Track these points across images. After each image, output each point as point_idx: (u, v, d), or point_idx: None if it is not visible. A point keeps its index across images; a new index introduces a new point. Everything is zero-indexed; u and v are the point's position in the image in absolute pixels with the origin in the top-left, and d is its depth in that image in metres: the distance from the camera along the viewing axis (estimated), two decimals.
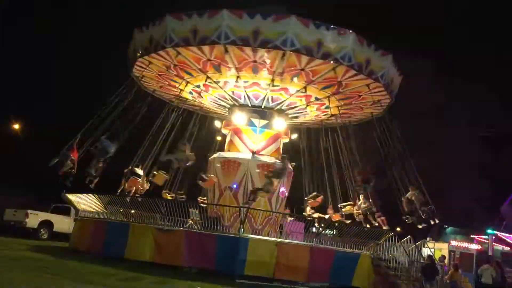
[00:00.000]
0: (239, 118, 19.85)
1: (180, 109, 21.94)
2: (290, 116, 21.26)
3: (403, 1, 38.90)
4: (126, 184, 19.05)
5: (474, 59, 38.47)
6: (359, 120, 22.64)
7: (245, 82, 18.70)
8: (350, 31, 16.77)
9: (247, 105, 20.09)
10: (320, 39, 16.38)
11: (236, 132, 20.30)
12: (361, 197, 19.52)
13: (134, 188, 19.11)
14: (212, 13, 16.20)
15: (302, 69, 17.42)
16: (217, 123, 21.72)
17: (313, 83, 18.38)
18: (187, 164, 18.57)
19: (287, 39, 15.97)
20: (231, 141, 20.46)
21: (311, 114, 21.58)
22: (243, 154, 19.57)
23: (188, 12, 16.51)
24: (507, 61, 37.67)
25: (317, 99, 19.79)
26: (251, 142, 20.00)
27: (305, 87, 18.70)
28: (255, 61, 17.16)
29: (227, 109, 21.32)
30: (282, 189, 19.66)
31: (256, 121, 20.14)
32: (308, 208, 20.51)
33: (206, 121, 23.76)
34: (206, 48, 16.74)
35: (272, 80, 18.24)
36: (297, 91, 19.04)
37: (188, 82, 19.61)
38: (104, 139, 18.51)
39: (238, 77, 18.28)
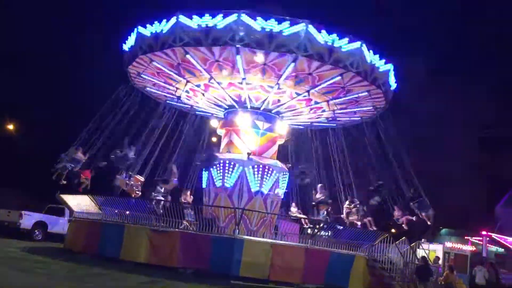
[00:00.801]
0: (242, 119, 19.79)
1: (175, 109, 21.97)
2: (286, 118, 21.30)
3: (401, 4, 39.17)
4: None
5: (471, 60, 38.63)
6: (351, 122, 22.80)
7: (248, 84, 18.69)
8: (360, 39, 17.02)
9: (246, 107, 20.06)
10: (332, 45, 16.53)
11: (237, 133, 20.26)
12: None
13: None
14: (226, 14, 16.09)
15: (310, 74, 17.56)
16: (214, 123, 21.62)
17: (317, 88, 18.55)
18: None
19: (300, 43, 16.05)
20: (230, 142, 20.40)
21: (305, 117, 21.68)
22: (239, 155, 19.56)
23: (200, 11, 16.37)
24: (504, 62, 37.92)
25: (316, 103, 19.89)
26: (253, 144, 19.99)
27: (308, 91, 18.81)
28: (265, 64, 17.17)
29: (223, 110, 21.24)
30: (277, 190, 19.68)
31: (259, 123, 20.13)
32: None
33: (193, 120, 23.68)
34: (216, 49, 16.64)
35: (278, 84, 18.27)
36: (300, 95, 19.14)
37: (188, 81, 19.45)
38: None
39: (243, 79, 18.24)
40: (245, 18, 15.94)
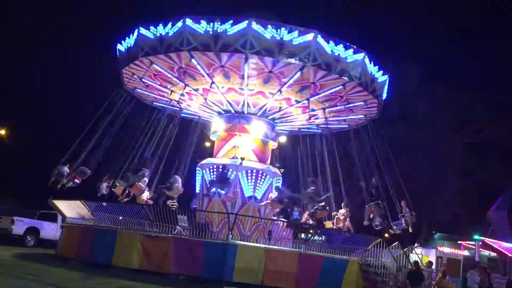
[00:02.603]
0: (236, 124, 19.79)
1: (162, 111, 21.96)
2: (279, 124, 21.38)
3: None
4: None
5: (463, 67, 38.98)
6: (338, 129, 23.02)
7: (250, 90, 18.71)
8: (363, 51, 17.36)
9: (243, 112, 20.06)
10: (338, 56, 16.76)
11: (230, 138, 20.22)
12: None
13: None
14: (237, 20, 16.10)
15: (313, 83, 17.74)
16: (208, 128, 21.60)
17: (318, 96, 18.76)
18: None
19: (310, 53, 16.21)
20: (223, 147, 20.33)
21: (297, 123, 21.79)
22: (232, 160, 19.54)
23: (209, 17, 16.36)
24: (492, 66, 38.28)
25: (313, 110, 20.04)
26: (247, 149, 19.97)
27: (308, 99, 18.95)
28: (270, 72, 17.22)
29: (217, 114, 21.14)
30: (271, 195, 19.66)
31: (254, 128, 20.14)
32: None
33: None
34: (224, 55, 16.62)
35: (280, 91, 18.33)
36: (300, 102, 19.30)
37: (187, 85, 19.36)
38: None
39: (246, 85, 18.24)
40: (255, 26, 16.00)
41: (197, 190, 20.39)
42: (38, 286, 11.72)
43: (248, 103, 19.60)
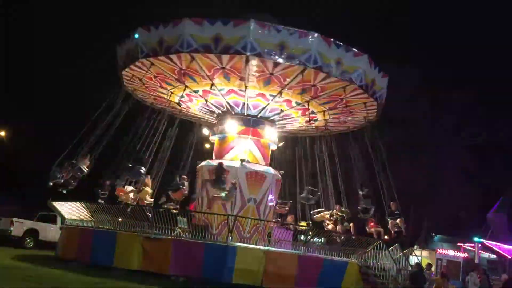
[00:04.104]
0: (236, 126, 19.74)
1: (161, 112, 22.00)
2: (279, 125, 21.38)
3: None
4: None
5: (462, 67, 38.97)
6: (338, 131, 23.05)
7: (250, 92, 18.64)
8: (364, 53, 17.34)
9: (243, 114, 20.02)
10: (339, 58, 16.74)
11: (230, 139, 20.11)
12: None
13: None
14: (238, 22, 16.05)
15: (314, 85, 17.73)
16: (205, 131, 21.57)
17: (318, 98, 18.75)
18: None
19: (310, 56, 16.21)
20: (223, 148, 20.30)
21: (297, 125, 21.81)
22: (232, 162, 19.51)
23: (210, 19, 16.27)
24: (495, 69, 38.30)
25: (313, 112, 20.03)
26: (246, 151, 19.86)
27: (308, 101, 18.96)
28: (271, 74, 17.22)
29: (216, 116, 21.13)
30: (270, 197, 19.65)
31: (253, 130, 20.05)
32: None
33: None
34: (225, 57, 16.58)
35: (280, 93, 18.32)
36: (300, 104, 19.30)
37: (187, 86, 19.26)
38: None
39: (246, 87, 18.17)
40: (257, 27, 15.98)
41: (197, 191, 20.35)
42: None
43: (248, 105, 19.57)
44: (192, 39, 16.26)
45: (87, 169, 19.16)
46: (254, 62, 16.53)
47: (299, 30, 16.34)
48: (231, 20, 16.10)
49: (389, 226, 19.40)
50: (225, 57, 16.53)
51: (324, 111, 20.10)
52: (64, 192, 19.08)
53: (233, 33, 15.97)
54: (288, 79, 17.42)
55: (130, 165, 18.85)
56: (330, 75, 16.89)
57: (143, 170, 18.99)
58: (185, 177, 19.59)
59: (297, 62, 16.31)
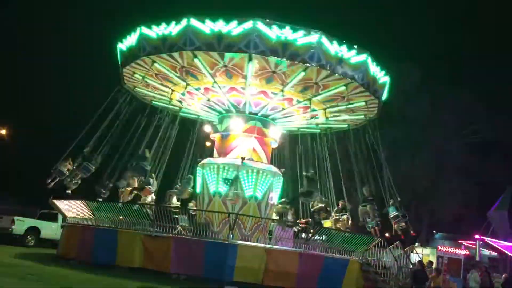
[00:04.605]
0: (237, 124, 19.73)
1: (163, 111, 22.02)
2: (280, 123, 21.37)
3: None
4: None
5: (460, 66, 38.96)
6: (338, 129, 23.02)
7: (252, 90, 18.63)
8: (366, 51, 17.31)
9: (244, 112, 19.98)
10: (342, 56, 16.72)
11: (231, 137, 20.12)
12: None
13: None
14: (241, 20, 15.97)
15: (316, 83, 17.72)
16: (207, 127, 21.55)
17: (320, 96, 18.71)
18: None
19: (314, 54, 16.17)
20: (224, 146, 20.29)
21: (298, 122, 21.83)
22: (233, 159, 19.51)
23: (213, 17, 16.22)
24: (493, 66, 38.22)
25: (313, 110, 20.05)
26: (247, 149, 19.89)
27: (310, 99, 18.94)
28: (274, 72, 17.19)
29: (217, 114, 21.10)
30: (271, 195, 19.66)
31: (254, 128, 20.05)
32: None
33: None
34: (228, 55, 16.51)
35: (282, 91, 18.29)
36: (301, 102, 19.26)
37: (188, 84, 19.28)
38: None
39: (248, 85, 18.17)
40: (260, 25, 15.92)
41: (198, 190, 20.36)
42: (40, 286, 11.70)
43: (249, 103, 19.56)
44: (194, 37, 16.24)
45: (93, 168, 19.45)
46: (256, 60, 16.50)
47: (303, 28, 16.28)
48: (234, 18, 16.05)
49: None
50: (228, 55, 16.52)
51: (325, 109, 20.09)
52: (69, 192, 19.24)
53: (236, 31, 15.94)
54: (290, 77, 17.40)
55: (133, 164, 19.04)
56: (333, 73, 16.87)
57: (147, 166, 19.18)
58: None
59: (300, 60, 16.28)
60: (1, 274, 12.48)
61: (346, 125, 22.21)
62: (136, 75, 19.84)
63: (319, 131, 23.24)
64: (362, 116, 20.98)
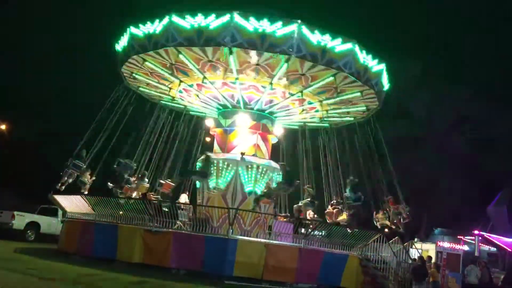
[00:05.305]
0: (235, 119, 19.83)
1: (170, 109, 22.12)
2: (279, 118, 21.37)
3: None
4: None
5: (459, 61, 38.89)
6: (343, 123, 22.96)
7: (241, 84, 18.65)
8: (352, 40, 17.02)
9: (240, 107, 20.00)
10: (325, 46, 16.48)
11: (230, 133, 20.23)
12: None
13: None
14: (219, 14, 15.99)
15: (303, 74, 17.59)
16: (208, 123, 21.60)
17: (311, 88, 18.58)
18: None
19: (293, 44, 16.02)
20: (224, 142, 20.32)
21: (298, 117, 21.77)
22: (233, 155, 19.54)
23: (192, 12, 16.26)
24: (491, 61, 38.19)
25: (309, 103, 19.95)
26: (246, 144, 19.97)
27: (301, 92, 18.83)
28: (257, 64, 17.14)
29: (216, 110, 21.18)
30: None
31: (252, 123, 20.07)
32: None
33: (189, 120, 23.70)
34: (209, 50, 16.56)
35: (271, 83, 18.23)
36: (293, 95, 19.15)
37: (181, 81, 19.40)
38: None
39: (236, 79, 18.18)
40: (237, 18, 15.88)
41: (197, 185, 20.40)
42: (40, 281, 11.73)
43: (243, 98, 19.55)
44: (176, 33, 16.34)
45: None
46: (235, 53, 16.44)
47: (281, 18, 16.14)
48: (213, 12, 16.04)
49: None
50: (209, 50, 16.54)
51: (321, 101, 19.96)
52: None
53: (213, 25, 15.94)
54: (275, 70, 17.32)
55: (120, 161, 19.23)
56: (316, 63, 16.68)
57: (129, 162, 19.42)
58: (146, 172, 20.39)
59: (279, 51, 16.10)
60: (1, 269, 12.51)
61: (352, 118, 22.06)
62: (134, 75, 20.03)
63: (328, 125, 23.08)
64: (364, 108, 20.72)
